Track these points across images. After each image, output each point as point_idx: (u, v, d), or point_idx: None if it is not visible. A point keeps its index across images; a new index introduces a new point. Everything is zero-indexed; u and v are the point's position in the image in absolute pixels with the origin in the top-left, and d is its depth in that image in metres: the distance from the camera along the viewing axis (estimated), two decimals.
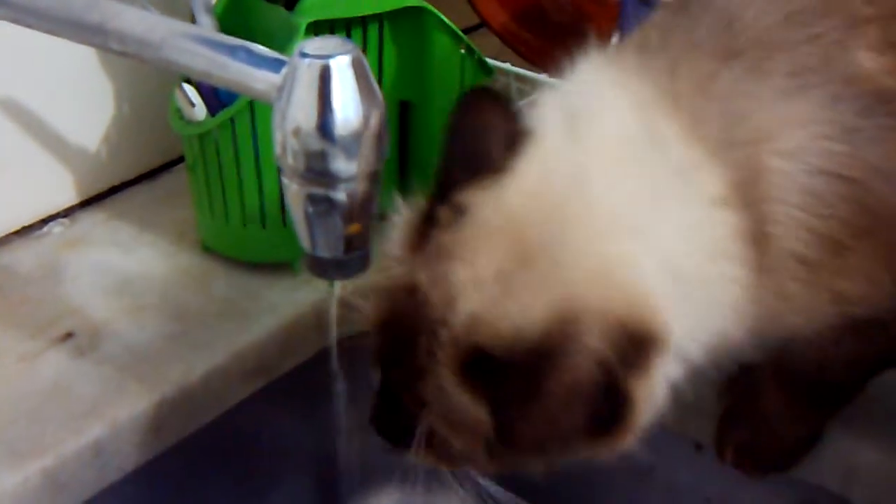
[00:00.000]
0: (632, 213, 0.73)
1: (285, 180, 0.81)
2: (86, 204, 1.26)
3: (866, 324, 0.81)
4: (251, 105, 1.05)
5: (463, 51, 1.14)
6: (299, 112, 0.78)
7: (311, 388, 1.15)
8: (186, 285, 1.14)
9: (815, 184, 0.74)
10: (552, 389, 0.69)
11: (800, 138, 0.74)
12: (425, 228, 0.76)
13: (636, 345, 0.71)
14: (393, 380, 0.78)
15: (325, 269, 0.85)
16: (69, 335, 1.06)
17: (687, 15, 0.79)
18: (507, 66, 1.26)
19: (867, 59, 0.74)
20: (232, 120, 1.07)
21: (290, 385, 1.12)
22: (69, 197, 1.24)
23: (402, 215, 0.79)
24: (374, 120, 0.79)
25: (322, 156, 0.79)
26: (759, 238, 0.75)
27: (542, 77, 1.26)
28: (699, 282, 0.75)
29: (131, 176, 1.29)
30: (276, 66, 0.80)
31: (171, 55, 0.83)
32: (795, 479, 1.00)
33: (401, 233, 0.77)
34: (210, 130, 1.08)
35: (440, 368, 0.73)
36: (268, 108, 1.00)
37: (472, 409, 0.74)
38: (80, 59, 1.20)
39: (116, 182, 1.28)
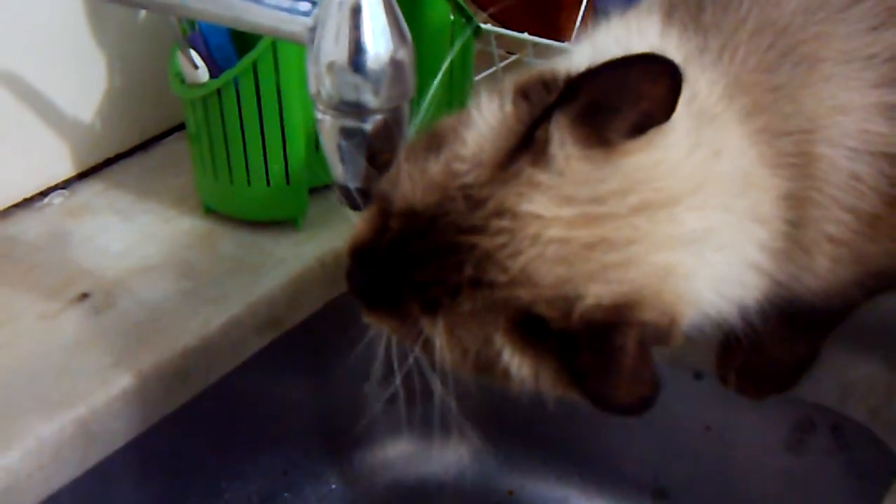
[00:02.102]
0: (701, 236, 0.75)
1: (319, 115, 0.85)
2: (83, 175, 1.28)
3: (879, 274, 0.86)
4: (254, 64, 1.08)
5: (452, 17, 1.18)
6: (333, 48, 0.82)
7: (317, 342, 1.18)
8: (191, 245, 1.16)
9: (858, 167, 0.78)
10: (628, 352, 0.72)
11: (847, 125, 0.78)
12: (515, 143, 0.74)
13: (675, 327, 0.75)
14: (410, 262, 0.76)
15: (356, 199, 0.88)
16: (85, 295, 1.09)
17: None
18: (488, 26, 1.30)
19: None
20: (236, 80, 1.10)
21: (298, 339, 1.15)
22: (67, 168, 1.26)
23: (488, 113, 0.77)
24: (403, 54, 0.83)
25: (355, 89, 0.82)
26: (799, 222, 0.79)
27: (524, 36, 1.30)
28: (737, 278, 0.79)
29: (126, 147, 1.31)
30: (305, 7, 0.83)
31: (202, 4, 0.87)
32: (792, 400, 1.06)
33: (484, 134, 0.75)
34: (214, 91, 1.10)
35: (478, 304, 0.74)
36: (270, 66, 1.05)
37: (509, 355, 0.76)
38: (72, 30, 1.23)
39: (112, 154, 1.30)
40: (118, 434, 1.00)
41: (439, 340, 0.76)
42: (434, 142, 0.77)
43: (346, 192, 0.88)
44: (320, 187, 1.20)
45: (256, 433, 1.16)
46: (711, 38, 0.80)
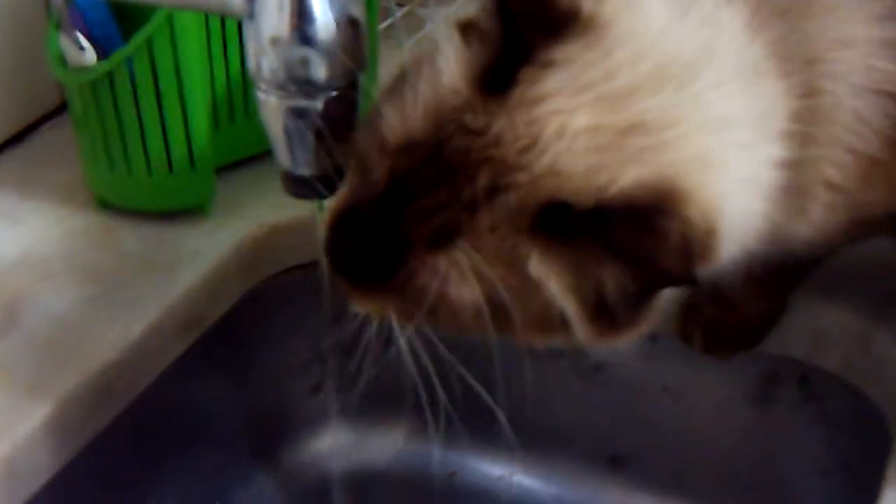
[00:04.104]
0: (728, 120, 0.70)
1: (261, 95, 0.76)
2: None
3: (869, 222, 0.82)
4: (149, 41, 0.98)
5: None
6: (275, 19, 0.73)
7: (239, 336, 1.09)
8: (91, 245, 1.06)
9: (862, 105, 0.74)
10: (671, 241, 0.65)
11: (851, 59, 0.73)
12: (495, 74, 0.68)
13: (713, 238, 0.69)
14: (409, 201, 0.69)
15: (306, 188, 0.80)
16: None
17: None
18: None
19: None
20: (129, 60, 0.99)
21: (219, 336, 1.06)
22: None
23: (452, 42, 0.71)
24: (355, 20, 0.74)
25: (303, 64, 0.74)
26: (801, 161, 0.74)
27: None
28: (745, 210, 0.73)
29: None
30: None
31: None
32: (753, 354, 1.01)
33: (460, 67, 0.70)
34: (104, 75, 0.99)
35: (499, 214, 0.68)
36: (167, 42, 0.94)
37: (532, 259, 0.69)
38: None
39: None
40: (44, 466, 0.90)
41: (460, 272, 0.69)
42: (403, 81, 0.71)
43: (294, 180, 0.79)
44: (225, 167, 1.11)
45: (184, 441, 1.07)
46: None
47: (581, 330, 0.71)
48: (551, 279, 0.69)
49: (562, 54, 0.68)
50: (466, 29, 0.71)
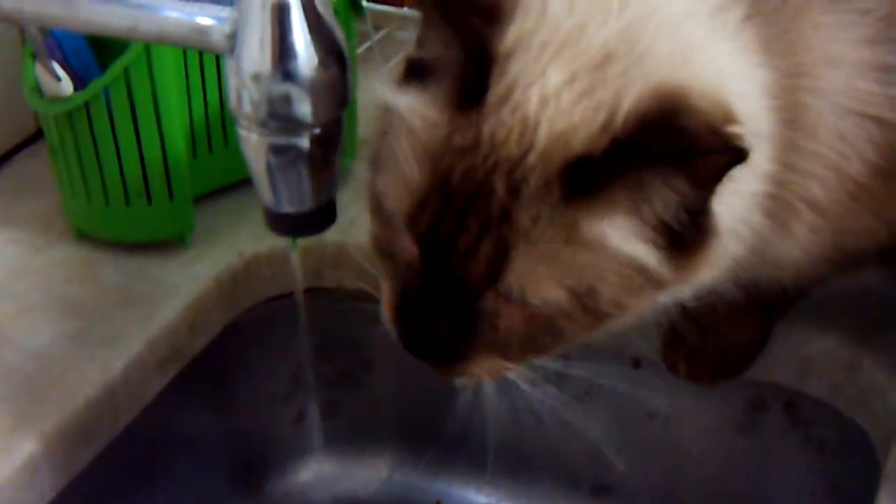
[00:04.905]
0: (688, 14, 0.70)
1: (243, 132, 0.75)
2: None
3: (855, 252, 0.82)
4: (126, 71, 0.96)
5: None
6: (257, 55, 0.72)
7: (219, 369, 1.08)
8: (70, 278, 1.04)
9: (846, 126, 0.73)
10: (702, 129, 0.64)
11: (836, 79, 0.73)
12: (467, 89, 0.68)
13: (732, 121, 0.67)
14: (449, 251, 0.69)
15: (290, 225, 0.79)
16: None
17: None
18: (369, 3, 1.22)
19: None
20: (106, 90, 0.97)
21: (199, 369, 1.04)
22: None
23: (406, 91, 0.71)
24: (339, 56, 0.73)
25: (285, 100, 0.73)
26: (781, 180, 0.73)
27: (404, 11, 1.22)
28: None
29: None
30: (220, 12, 0.73)
31: (90, 14, 0.75)
32: (742, 382, 1.01)
33: (428, 103, 0.69)
34: (82, 105, 0.98)
35: (533, 194, 0.67)
36: (144, 72, 0.93)
37: (585, 224, 0.68)
38: None
39: None
40: None
41: (533, 279, 0.68)
42: (385, 148, 0.71)
43: (276, 218, 0.78)
44: (203, 196, 1.09)
45: (167, 474, 1.06)
46: None
47: (662, 271, 0.70)
48: (610, 234, 0.68)
49: (511, 35, 0.67)
50: (413, 70, 0.71)
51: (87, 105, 0.99)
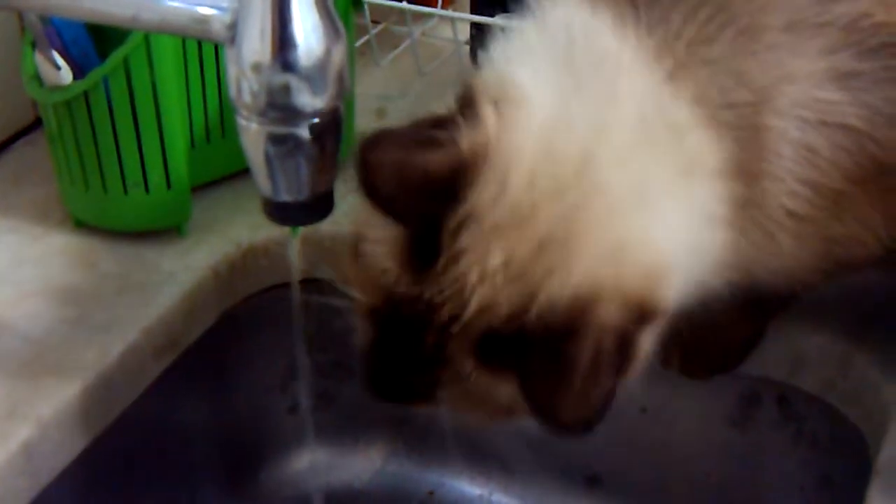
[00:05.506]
0: (638, 189, 0.72)
1: (242, 122, 0.75)
2: None
3: (846, 262, 0.83)
4: (125, 61, 0.97)
5: None
6: (257, 45, 0.72)
7: (216, 357, 1.09)
8: (68, 266, 1.05)
9: (812, 137, 0.74)
10: (580, 363, 0.68)
11: (795, 94, 0.74)
12: (418, 251, 0.73)
13: (648, 313, 0.72)
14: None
15: (288, 214, 0.79)
16: None
17: None
18: None
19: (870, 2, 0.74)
20: (105, 79, 0.98)
21: (195, 358, 1.05)
22: None
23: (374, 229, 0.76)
24: (338, 47, 0.74)
25: (284, 90, 0.73)
26: (754, 197, 0.75)
27: (403, 5, 1.22)
28: (696, 247, 0.75)
29: None
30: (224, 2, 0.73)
31: (92, 3, 0.76)
32: (735, 376, 1.01)
33: (386, 251, 0.74)
34: (81, 94, 0.98)
35: (454, 356, 0.73)
36: (144, 61, 0.94)
37: (491, 387, 0.74)
38: None
39: None
40: (22, 494, 0.89)
41: (453, 405, 0.77)
42: (355, 243, 0.78)
43: (274, 206, 0.78)
44: (201, 186, 1.10)
45: (162, 462, 1.06)
46: (644, 14, 0.75)
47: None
48: (499, 394, 0.73)
49: (468, 206, 0.70)
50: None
51: (86, 94, 0.99)
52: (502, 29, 0.80)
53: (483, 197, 0.70)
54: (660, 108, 0.73)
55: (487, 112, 0.72)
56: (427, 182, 0.70)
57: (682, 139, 0.73)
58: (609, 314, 0.69)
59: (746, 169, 0.74)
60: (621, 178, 0.71)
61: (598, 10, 0.76)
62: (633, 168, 0.72)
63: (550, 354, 0.69)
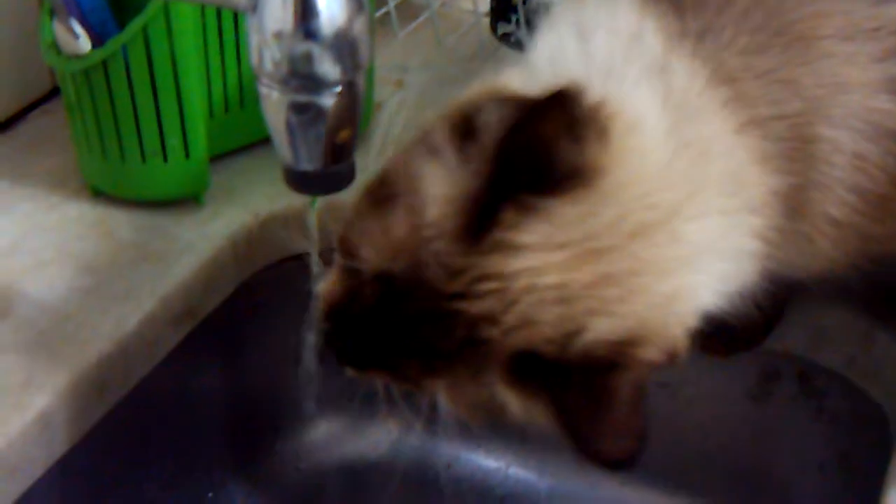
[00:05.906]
0: (708, 245, 0.72)
1: (263, 90, 0.75)
2: None
3: (880, 259, 0.82)
4: (145, 29, 0.96)
5: None
6: (279, 13, 0.71)
7: (233, 328, 1.08)
8: (85, 235, 1.04)
9: (863, 146, 0.74)
10: (622, 396, 0.68)
11: (849, 104, 0.73)
12: (477, 219, 0.69)
13: (679, 355, 0.72)
14: (393, 335, 0.73)
15: (309, 183, 0.79)
16: None
17: None
18: None
19: None
20: (124, 48, 0.97)
21: (213, 328, 1.04)
22: None
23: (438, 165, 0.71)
24: (359, 17, 0.73)
25: (307, 59, 0.72)
26: (797, 209, 0.75)
27: None
28: (734, 278, 0.76)
29: None
30: None
31: None
32: (756, 352, 1.01)
33: (443, 193, 0.70)
34: (99, 63, 0.98)
35: (477, 363, 0.70)
36: (163, 30, 0.93)
37: (508, 399, 0.72)
38: None
39: None
40: (38, 462, 0.89)
41: (443, 400, 0.73)
42: (388, 191, 0.72)
43: (295, 175, 0.78)
44: (219, 156, 1.09)
45: (178, 431, 1.06)
46: (692, 20, 0.74)
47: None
48: (526, 413, 0.72)
49: (546, 204, 0.67)
50: (457, 137, 0.71)
51: (104, 63, 0.98)
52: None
53: (571, 209, 0.68)
54: (734, 161, 0.73)
55: (615, 134, 0.70)
56: (551, 160, 0.68)
57: (743, 187, 0.73)
58: (650, 354, 0.69)
59: (794, 183, 0.74)
60: (698, 232, 0.71)
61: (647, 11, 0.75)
62: (709, 225, 0.72)
63: (590, 386, 0.68)
